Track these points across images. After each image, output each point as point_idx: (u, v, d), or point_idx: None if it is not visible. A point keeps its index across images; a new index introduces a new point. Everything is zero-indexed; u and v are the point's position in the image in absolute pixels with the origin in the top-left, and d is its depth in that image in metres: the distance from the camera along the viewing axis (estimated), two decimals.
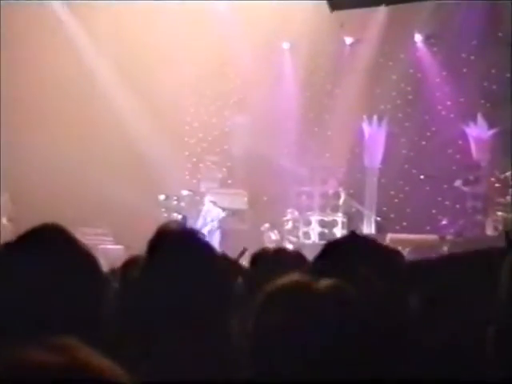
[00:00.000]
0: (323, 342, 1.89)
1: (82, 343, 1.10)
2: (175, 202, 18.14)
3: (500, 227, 15.63)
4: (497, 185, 16.41)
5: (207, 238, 2.67)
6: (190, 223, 15.05)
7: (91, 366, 1.08)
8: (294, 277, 2.00)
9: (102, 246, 15.61)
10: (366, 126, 18.82)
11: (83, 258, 2.11)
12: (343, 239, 2.89)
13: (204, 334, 2.31)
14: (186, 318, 2.31)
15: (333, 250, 2.66)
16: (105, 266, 4.44)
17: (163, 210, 18.02)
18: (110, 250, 15.68)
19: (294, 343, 1.90)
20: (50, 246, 2.06)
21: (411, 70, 18.60)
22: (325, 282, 1.98)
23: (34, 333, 1.14)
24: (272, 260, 3.94)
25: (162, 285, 2.37)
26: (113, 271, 4.10)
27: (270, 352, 1.93)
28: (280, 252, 4.28)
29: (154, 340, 2.29)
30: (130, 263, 3.55)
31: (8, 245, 2.07)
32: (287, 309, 1.94)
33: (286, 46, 19.30)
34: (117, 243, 16.78)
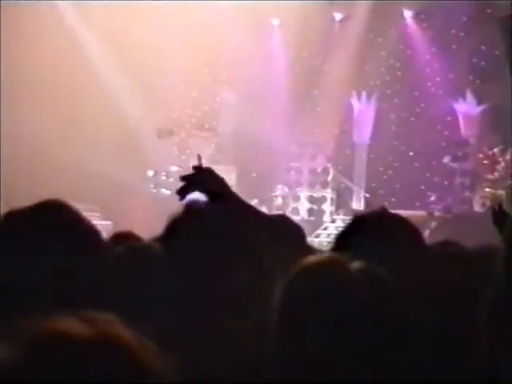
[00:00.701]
0: (352, 322, 1.90)
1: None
2: (164, 178, 18.12)
3: (488, 203, 15.69)
4: (485, 161, 16.46)
5: None
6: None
7: (124, 341, 1.06)
8: (329, 254, 2.00)
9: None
10: (355, 102, 18.81)
11: (88, 232, 2.10)
12: (371, 215, 2.83)
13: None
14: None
15: (360, 226, 2.63)
16: None
17: (152, 185, 18.00)
18: (98, 225, 15.65)
19: (325, 320, 1.91)
20: (55, 220, 2.04)
21: (401, 47, 18.57)
22: (358, 264, 1.97)
23: (50, 307, 1.12)
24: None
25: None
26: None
27: (302, 326, 1.93)
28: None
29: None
30: (119, 238, 3.53)
31: (11, 217, 2.04)
32: (320, 285, 1.94)
33: (275, 22, 19.22)
34: (104, 219, 16.76)
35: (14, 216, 2.03)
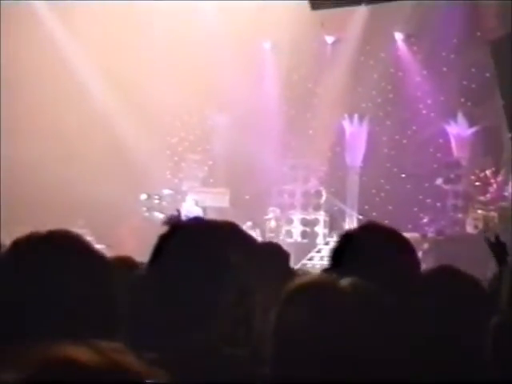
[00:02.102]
0: (347, 339, 1.91)
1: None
2: (157, 201, 18.12)
3: (480, 225, 15.72)
4: (477, 183, 16.50)
5: None
6: None
7: (132, 370, 1.07)
8: (316, 275, 2.01)
9: None
10: (347, 125, 18.88)
11: (96, 260, 2.10)
12: (358, 231, 2.86)
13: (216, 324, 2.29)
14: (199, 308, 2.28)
15: (348, 242, 2.66)
16: None
17: (145, 209, 17.99)
18: None
19: (319, 341, 1.92)
20: (62, 249, 2.05)
21: (392, 69, 18.66)
22: (347, 281, 1.99)
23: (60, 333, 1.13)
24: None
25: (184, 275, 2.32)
26: None
27: (294, 349, 1.95)
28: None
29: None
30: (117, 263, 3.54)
31: (17, 246, 2.04)
32: (311, 306, 1.95)
33: (267, 45, 19.32)
34: (98, 242, 16.71)
35: (24, 245, 2.04)
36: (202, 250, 2.29)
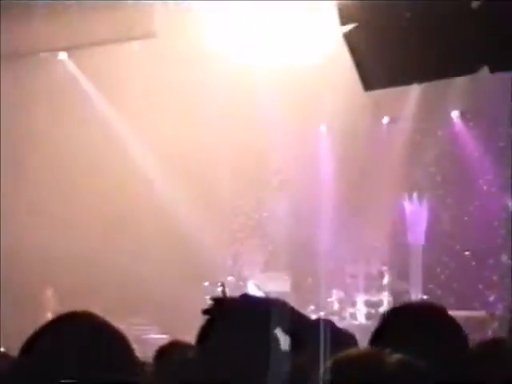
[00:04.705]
0: None
1: None
2: (219, 289, 18.08)
3: None
4: None
5: None
6: None
7: None
8: (364, 348, 2.00)
9: (147, 337, 15.53)
10: (406, 204, 18.79)
11: (115, 340, 2.10)
12: (401, 309, 2.85)
13: None
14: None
15: (394, 319, 2.63)
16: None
17: (207, 296, 17.95)
18: (155, 340, 15.58)
19: None
20: (82, 330, 2.06)
21: (449, 146, 18.61)
22: (396, 357, 1.96)
23: None
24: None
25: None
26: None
27: None
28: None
29: None
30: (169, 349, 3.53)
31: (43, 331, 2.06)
32: (358, 379, 1.93)
33: (322, 128, 19.44)
34: (162, 333, 16.69)
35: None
36: (247, 328, 2.28)
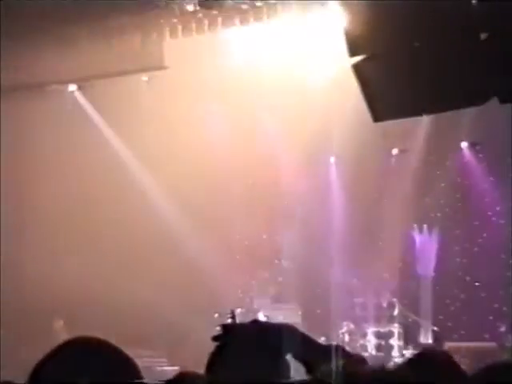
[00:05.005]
0: None
1: None
2: (229, 321, 18.02)
3: None
4: None
5: None
6: None
7: None
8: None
9: (157, 368, 15.47)
10: (416, 235, 18.75)
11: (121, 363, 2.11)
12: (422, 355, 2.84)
13: None
14: None
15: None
16: None
17: (218, 328, 17.88)
18: (166, 371, 15.52)
19: None
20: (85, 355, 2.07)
21: (458, 178, 18.60)
22: None
23: None
24: None
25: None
26: None
27: None
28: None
29: None
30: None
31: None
32: None
33: (331, 159, 19.46)
34: (172, 364, 16.63)
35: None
36: (258, 353, 2.28)
